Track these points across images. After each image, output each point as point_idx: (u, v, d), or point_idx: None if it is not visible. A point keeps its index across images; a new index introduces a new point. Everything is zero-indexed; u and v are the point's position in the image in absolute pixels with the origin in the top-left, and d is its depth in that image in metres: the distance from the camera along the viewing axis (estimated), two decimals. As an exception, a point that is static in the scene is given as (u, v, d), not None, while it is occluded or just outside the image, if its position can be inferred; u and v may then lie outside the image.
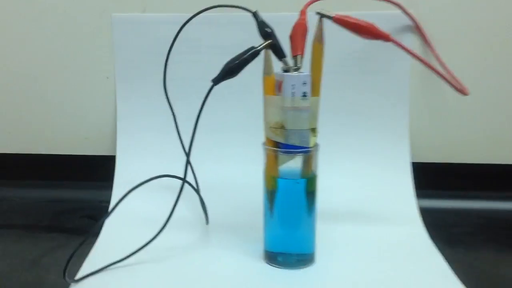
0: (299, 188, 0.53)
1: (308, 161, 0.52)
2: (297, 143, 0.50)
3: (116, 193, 0.68)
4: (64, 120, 0.74)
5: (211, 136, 0.69)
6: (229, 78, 0.50)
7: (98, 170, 0.72)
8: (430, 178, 0.70)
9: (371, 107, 0.69)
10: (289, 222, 0.53)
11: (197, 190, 0.64)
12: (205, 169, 0.66)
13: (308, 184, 0.53)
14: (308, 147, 0.51)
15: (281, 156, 0.51)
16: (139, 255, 0.53)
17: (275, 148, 0.51)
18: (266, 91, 0.51)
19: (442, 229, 0.63)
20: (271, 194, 0.53)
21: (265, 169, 0.53)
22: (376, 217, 0.64)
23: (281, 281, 0.51)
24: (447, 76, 0.63)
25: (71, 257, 0.50)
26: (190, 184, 0.62)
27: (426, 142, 0.71)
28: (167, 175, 0.57)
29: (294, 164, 0.52)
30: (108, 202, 0.66)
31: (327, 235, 0.57)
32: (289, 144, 0.50)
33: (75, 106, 0.73)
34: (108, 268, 0.52)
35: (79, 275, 0.51)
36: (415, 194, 0.67)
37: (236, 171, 0.69)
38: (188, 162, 0.54)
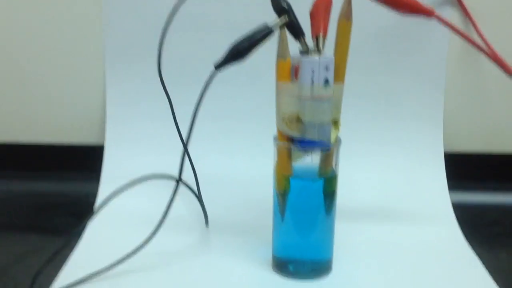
0: (316, 189, 0.48)
1: (328, 159, 0.47)
2: (315, 138, 0.45)
3: (103, 188, 0.64)
4: (46, 105, 0.70)
5: (213, 124, 0.66)
6: (236, 62, 0.44)
7: (85, 160, 0.68)
8: (465, 169, 0.66)
9: (400, 91, 0.65)
10: (303, 226, 0.48)
11: (195, 193, 0.59)
12: (205, 162, 0.62)
13: (327, 184, 0.48)
14: (328, 143, 0.45)
15: (296, 152, 0.46)
16: (128, 263, 0.49)
17: (289, 144, 0.46)
18: (279, 77, 0.45)
19: (479, 228, 0.59)
20: (282, 195, 0.48)
21: (276, 167, 0.48)
22: (402, 215, 0.61)
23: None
24: (496, 56, 0.58)
25: (39, 270, 0.45)
26: (187, 185, 0.58)
27: (462, 128, 0.67)
28: (158, 174, 0.52)
29: (310, 160, 0.47)
30: (95, 196, 0.63)
31: (346, 237, 0.53)
32: (306, 140, 0.45)
33: (59, 90, 0.69)
34: (90, 279, 0.47)
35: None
36: (448, 187, 0.63)
37: (241, 163, 0.66)
38: (185, 157, 0.49)
